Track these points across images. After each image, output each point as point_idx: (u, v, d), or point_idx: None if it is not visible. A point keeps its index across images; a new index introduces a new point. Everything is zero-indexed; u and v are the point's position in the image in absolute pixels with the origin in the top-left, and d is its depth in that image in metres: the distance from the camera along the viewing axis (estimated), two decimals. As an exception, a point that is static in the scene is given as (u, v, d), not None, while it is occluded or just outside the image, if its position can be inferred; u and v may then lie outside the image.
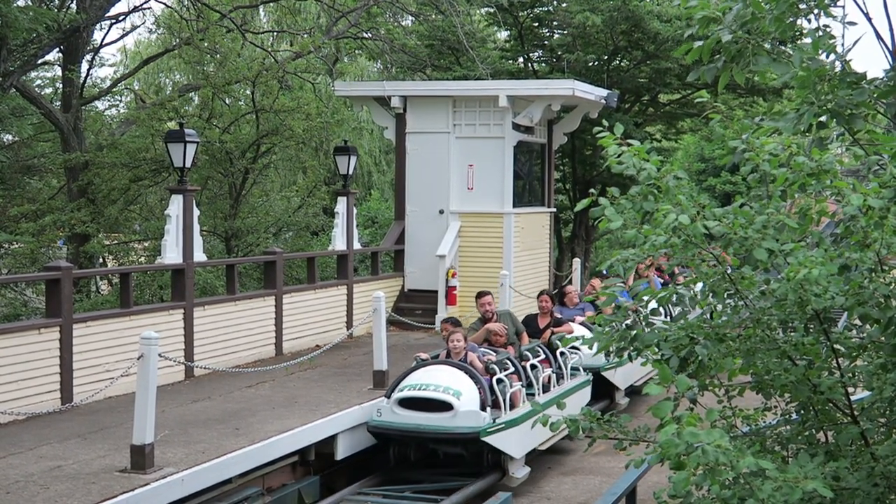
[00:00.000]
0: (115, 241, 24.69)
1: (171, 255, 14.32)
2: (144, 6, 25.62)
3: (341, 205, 18.70)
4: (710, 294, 5.02)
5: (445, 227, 19.40)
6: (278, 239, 24.81)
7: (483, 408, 10.59)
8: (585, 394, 13.33)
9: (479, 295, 12.93)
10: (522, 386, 11.45)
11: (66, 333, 11.96)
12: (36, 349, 11.67)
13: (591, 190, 5.25)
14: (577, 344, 13.58)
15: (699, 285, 5.24)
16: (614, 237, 29.72)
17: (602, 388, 14.51)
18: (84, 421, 11.07)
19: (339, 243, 18.52)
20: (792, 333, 5.05)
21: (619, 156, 4.85)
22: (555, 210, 22.55)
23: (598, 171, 26.15)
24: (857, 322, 5.05)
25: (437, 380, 10.79)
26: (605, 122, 5.03)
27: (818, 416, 5.12)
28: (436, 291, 18.85)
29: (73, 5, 22.94)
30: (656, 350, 5.01)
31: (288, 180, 29.54)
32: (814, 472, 4.08)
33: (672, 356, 4.85)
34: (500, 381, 10.98)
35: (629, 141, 4.94)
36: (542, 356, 12.61)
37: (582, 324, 14.30)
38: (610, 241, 31.38)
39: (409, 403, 10.79)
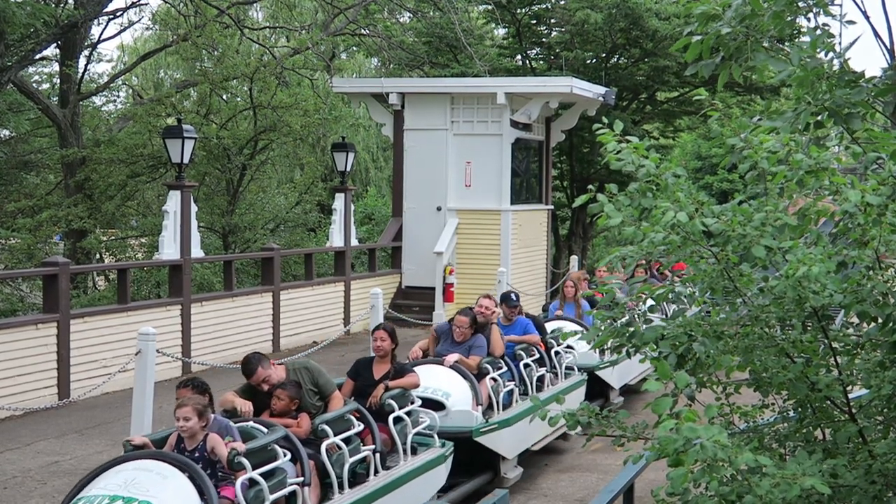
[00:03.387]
0: (112, 237, 24.68)
1: (169, 250, 14.33)
2: (142, 2, 25.55)
3: (339, 201, 18.72)
4: (709, 291, 5.02)
5: (443, 224, 19.42)
6: (275, 235, 24.81)
7: None
8: (437, 475, 8.63)
9: (247, 371, 7.67)
10: (305, 484, 6.90)
11: (64, 329, 11.96)
12: (33, 345, 11.68)
13: (590, 186, 5.25)
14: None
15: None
16: (612, 234, 29.73)
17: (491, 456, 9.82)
18: (81, 416, 11.07)
19: (336, 240, 18.53)
20: (790, 331, 5.05)
21: (617, 152, 4.85)
22: (552, 207, 22.57)
23: (595, 169, 26.17)
24: (855, 320, 5.05)
25: (137, 487, 5.99)
26: (605, 119, 5.02)
27: (816, 413, 5.12)
28: (433, 288, 18.87)
29: (71, 1, 22.91)
30: (654, 347, 5.02)
31: (285, 176, 29.53)
32: (812, 469, 4.08)
33: (670, 353, 4.85)
34: (252, 483, 6.41)
35: (628, 138, 4.94)
36: (355, 429, 7.70)
37: (454, 367, 9.70)
38: (607, 239, 31.39)
39: None
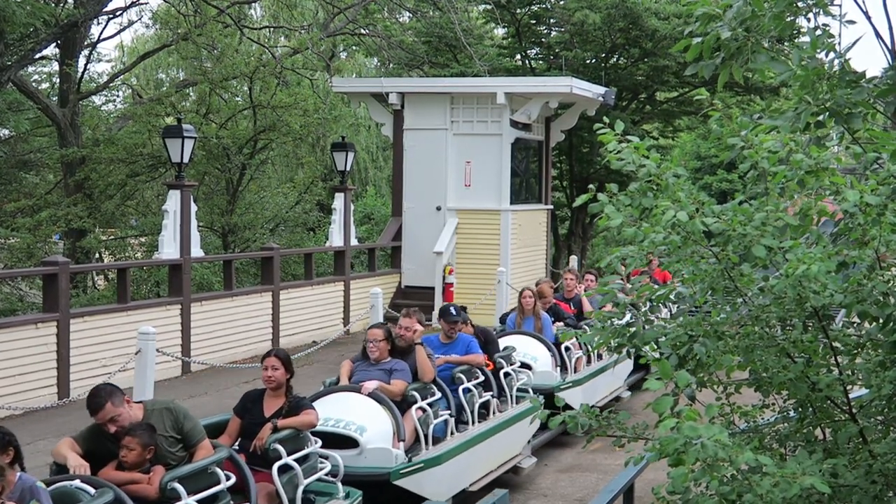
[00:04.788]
0: (112, 237, 24.69)
1: (169, 250, 14.34)
2: (141, 1, 25.55)
3: (339, 201, 18.73)
4: (709, 291, 5.02)
5: (442, 224, 19.42)
6: (275, 235, 24.83)
7: None
8: None
9: (92, 406, 6.22)
10: None
11: (63, 328, 11.97)
12: (33, 344, 11.68)
13: (591, 186, 5.25)
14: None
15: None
16: (611, 234, 29.73)
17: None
18: (81, 416, 11.01)
19: (336, 239, 18.54)
20: (790, 331, 5.06)
21: (618, 152, 4.85)
22: (552, 207, 22.57)
23: (595, 169, 26.18)
24: (856, 319, 5.06)
25: None
26: (607, 119, 5.03)
27: (816, 413, 5.12)
28: (433, 288, 18.87)
29: (71, 0, 22.91)
30: (655, 347, 5.02)
31: (285, 176, 29.53)
32: (812, 468, 4.09)
33: (671, 354, 4.86)
34: None
35: (629, 137, 4.95)
36: (223, 484, 6.18)
37: (374, 395, 8.14)
38: (606, 239, 31.39)
39: None
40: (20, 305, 22.93)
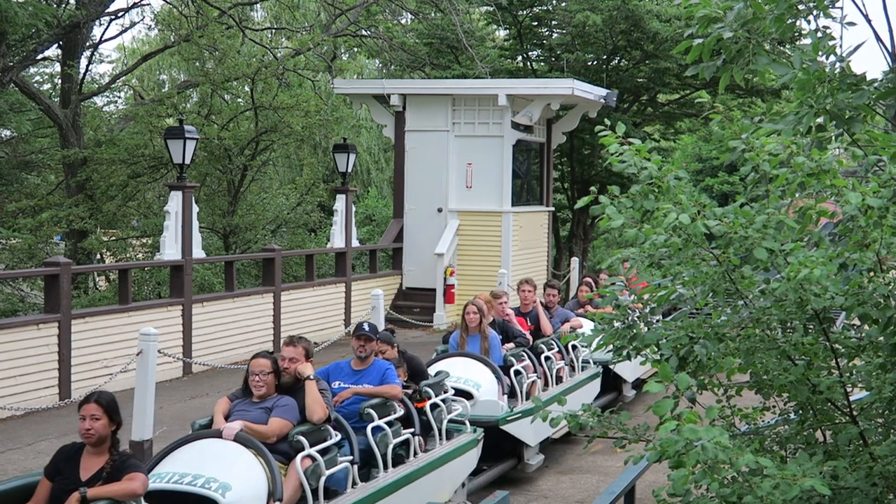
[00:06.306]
0: (113, 238, 24.70)
1: (170, 251, 14.36)
2: (143, 3, 25.58)
3: (340, 202, 18.75)
4: (710, 293, 5.03)
5: (444, 226, 19.44)
6: (276, 236, 24.84)
7: None
8: None
9: None
10: None
11: (65, 329, 11.99)
12: (34, 345, 11.70)
13: (592, 188, 5.26)
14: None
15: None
16: (612, 236, 29.73)
17: None
18: (82, 417, 11.06)
19: (337, 241, 18.56)
20: (791, 333, 5.06)
21: (620, 154, 4.86)
22: (553, 209, 22.59)
23: (596, 171, 26.18)
24: (856, 322, 5.06)
25: None
26: (608, 122, 5.04)
27: (817, 415, 5.13)
28: (434, 290, 18.89)
29: (73, 1, 22.94)
30: (656, 349, 5.03)
31: (286, 177, 29.55)
32: (812, 470, 4.09)
33: (671, 355, 4.86)
34: None
35: (630, 140, 4.96)
36: None
37: (240, 439, 6.46)
38: (607, 241, 31.39)
39: None
40: (21, 306, 22.94)
